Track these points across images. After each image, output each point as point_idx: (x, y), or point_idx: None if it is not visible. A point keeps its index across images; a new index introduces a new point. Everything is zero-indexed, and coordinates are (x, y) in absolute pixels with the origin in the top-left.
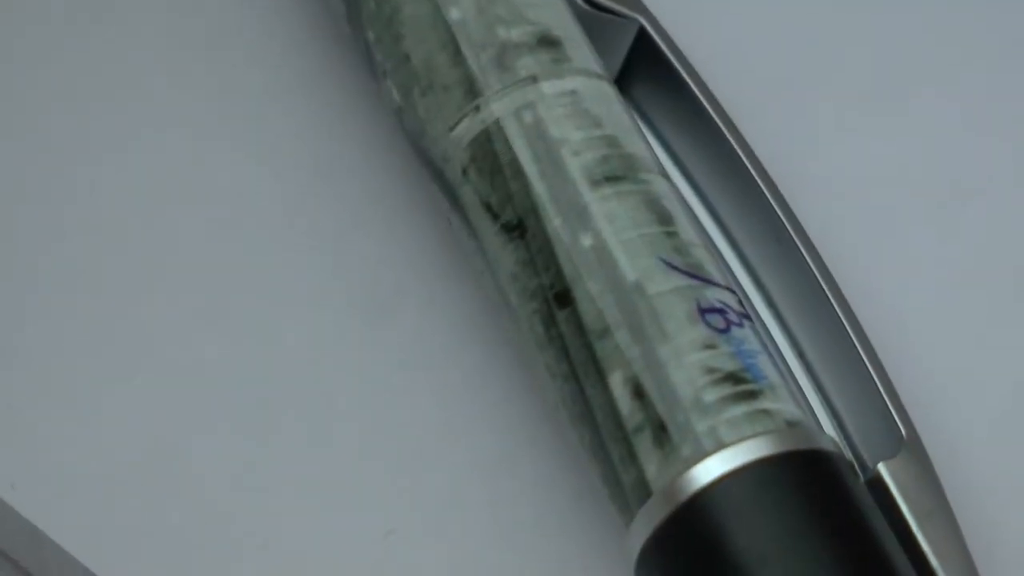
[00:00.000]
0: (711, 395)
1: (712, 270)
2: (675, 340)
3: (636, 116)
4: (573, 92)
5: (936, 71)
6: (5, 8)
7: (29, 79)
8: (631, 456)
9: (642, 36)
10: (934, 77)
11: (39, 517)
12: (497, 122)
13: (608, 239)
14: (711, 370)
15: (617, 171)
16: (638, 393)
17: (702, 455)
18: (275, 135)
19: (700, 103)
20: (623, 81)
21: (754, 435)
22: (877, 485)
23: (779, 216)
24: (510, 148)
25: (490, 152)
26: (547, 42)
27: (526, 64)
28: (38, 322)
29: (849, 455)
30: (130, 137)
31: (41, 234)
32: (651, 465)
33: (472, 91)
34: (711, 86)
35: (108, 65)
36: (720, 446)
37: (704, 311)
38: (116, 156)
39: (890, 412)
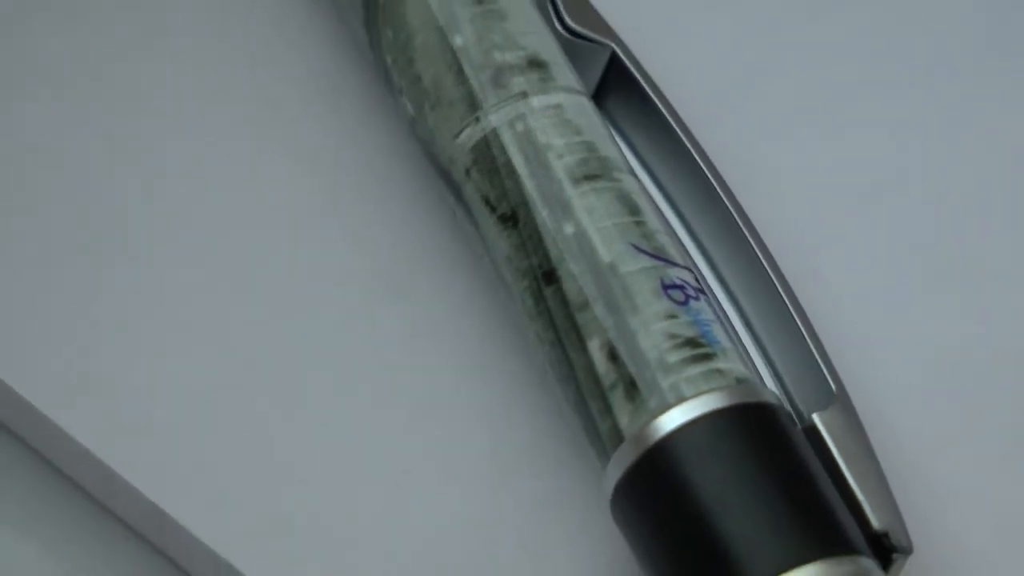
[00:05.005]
0: (673, 357)
1: (673, 253)
2: (643, 311)
3: (610, 125)
4: (558, 106)
5: (869, 83)
6: (74, 27)
7: (106, 84)
8: (607, 409)
9: (614, 59)
10: (867, 89)
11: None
12: (494, 131)
13: (587, 227)
14: (673, 336)
15: (594, 171)
16: (612, 356)
17: (666, 407)
18: (311, 140)
19: (663, 115)
20: (598, 97)
21: (709, 390)
22: (812, 433)
23: (729, 208)
24: (505, 152)
25: (488, 156)
26: (535, 64)
27: (518, 82)
28: (116, 298)
29: (789, 407)
30: (190, 136)
31: (106, 220)
32: (623, 416)
33: (473, 105)
34: (672, 101)
35: (173, 81)
36: (681, 399)
37: (667, 287)
38: (178, 154)
39: (822, 371)
